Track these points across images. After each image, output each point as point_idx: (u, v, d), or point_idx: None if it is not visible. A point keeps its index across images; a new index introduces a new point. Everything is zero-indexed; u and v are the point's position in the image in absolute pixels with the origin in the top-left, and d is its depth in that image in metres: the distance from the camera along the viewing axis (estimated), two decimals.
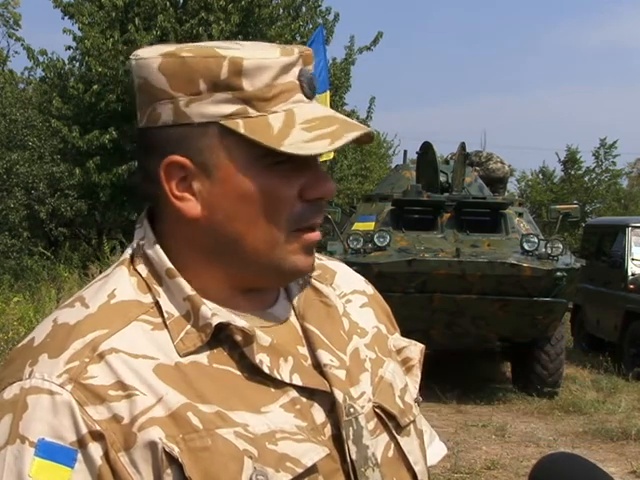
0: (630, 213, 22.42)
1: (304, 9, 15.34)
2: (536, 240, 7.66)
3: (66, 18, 14.41)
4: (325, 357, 0.96)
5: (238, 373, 0.91)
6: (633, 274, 9.95)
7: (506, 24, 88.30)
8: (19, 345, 0.93)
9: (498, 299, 7.46)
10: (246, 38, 13.54)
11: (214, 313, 0.92)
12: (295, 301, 1.02)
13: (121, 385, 0.86)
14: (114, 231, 17.03)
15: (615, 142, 23.88)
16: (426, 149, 9.21)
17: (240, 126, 0.89)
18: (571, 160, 24.42)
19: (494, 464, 5.98)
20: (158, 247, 0.95)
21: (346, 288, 1.10)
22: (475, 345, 8.58)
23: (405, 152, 10.97)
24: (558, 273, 7.42)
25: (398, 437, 1.00)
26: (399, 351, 1.10)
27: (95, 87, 13.77)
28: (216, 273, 0.94)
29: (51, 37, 45.79)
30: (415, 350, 1.12)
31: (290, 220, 0.92)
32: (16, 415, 0.85)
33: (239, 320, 0.92)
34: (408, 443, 1.01)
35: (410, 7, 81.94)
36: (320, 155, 0.91)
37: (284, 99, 0.90)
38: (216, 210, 0.92)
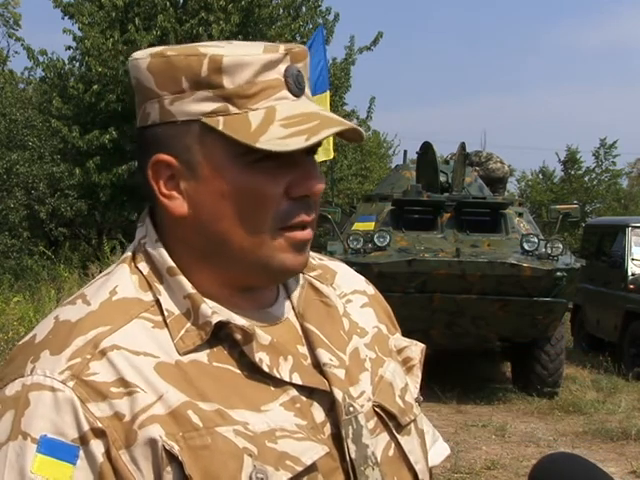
0: (630, 213, 22.42)
1: (304, 9, 15.34)
2: (536, 240, 7.66)
3: (66, 18, 14.42)
4: (325, 356, 0.97)
5: (238, 372, 0.91)
6: (633, 274, 9.95)
7: (506, 24, 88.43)
8: (21, 342, 0.93)
9: (498, 299, 7.46)
10: (246, 38, 13.54)
11: (214, 311, 0.92)
12: (295, 301, 1.02)
13: (123, 382, 0.86)
14: (114, 231, 17.03)
15: (615, 142, 23.91)
16: (426, 149, 9.21)
17: (220, 123, 0.89)
18: (571, 160, 24.42)
19: (494, 464, 5.98)
20: (160, 245, 0.95)
21: (346, 288, 1.10)
22: (475, 345, 8.58)
23: (405, 152, 10.98)
24: (558, 273, 7.42)
25: (398, 436, 1.00)
26: (400, 351, 1.10)
27: (95, 87, 13.77)
28: (210, 272, 0.95)
29: (51, 37, 45.87)
30: (416, 350, 1.12)
31: (276, 218, 0.92)
32: (18, 411, 0.85)
33: (239, 319, 0.93)
34: (408, 442, 1.01)
35: (410, 7, 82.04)
36: (302, 151, 0.90)
37: (266, 96, 0.90)
38: (202, 208, 0.92)
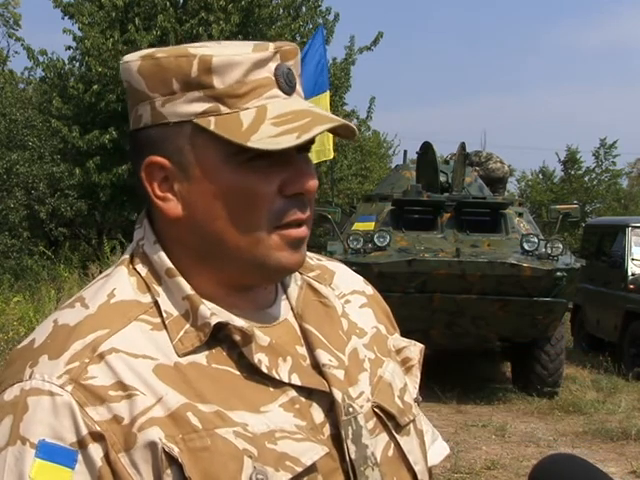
0: (630, 213, 22.42)
1: (304, 9, 15.35)
2: (536, 240, 7.66)
3: (66, 18, 14.44)
4: (324, 357, 0.97)
5: (237, 373, 0.91)
6: (633, 274, 9.95)
7: (506, 24, 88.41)
8: (19, 346, 0.93)
9: (498, 299, 7.46)
10: (246, 38, 13.54)
11: (213, 313, 0.92)
12: (293, 301, 1.02)
13: (121, 385, 0.86)
14: (114, 231, 17.03)
15: (615, 142, 23.90)
16: (426, 149, 9.21)
17: (211, 124, 0.89)
18: (571, 160, 24.42)
19: (494, 464, 5.98)
20: (158, 247, 0.95)
21: (345, 288, 1.10)
22: (475, 345, 8.58)
23: (405, 152, 10.98)
24: (558, 273, 7.42)
25: (397, 437, 1.00)
26: (399, 351, 1.10)
27: (95, 87, 13.78)
28: (206, 272, 0.95)
29: (51, 37, 45.85)
30: (415, 350, 1.12)
31: (271, 217, 0.92)
32: (17, 416, 0.85)
33: (238, 320, 0.93)
34: (408, 443, 1.02)
35: (410, 7, 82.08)
36: (295, 149, 0.90)
37: (257, 95, 0.90)
38: (196, 209, 0.92)
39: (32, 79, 19.28)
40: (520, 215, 8.63)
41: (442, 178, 8.95)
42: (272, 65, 0.91)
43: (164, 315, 0.92)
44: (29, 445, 0.83)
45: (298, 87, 0.95)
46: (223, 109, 0.89)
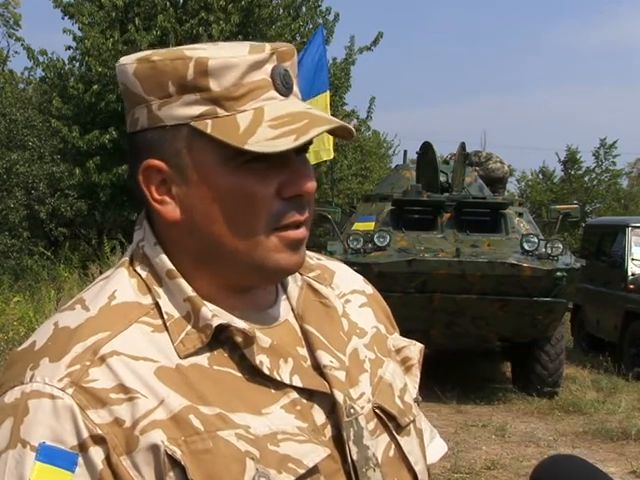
0: (630, 213, 22.42)
1: (304, 9, 15.35)
2: (536, 240, 7.66)
3: (66, 18, 14.43)
4: (325, 358, 0.97)
5: (238, 375, 0.91)
6: (633, 274, 9.95)
7: (506, 24, 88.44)
8: (20, 348, 0.93)
9: (498, 299, 7.46)
10: (246, 38, 13.54)
11: (214, 314, 0.92)
12: (294, 302, 1.02)
13: (122, 388, 0.86)
14: (114, 231, 17.02)
15: (615, 142, 23.91)
16: (426, 149, 9.21)
17: (208, 126, 0.89)
18: (571, 160, 24.43)
19: (494, 464, 5.98)
20: (159, 248, 0.95)
21: (345, 288, 1.10)
22: (475, 345, 8.58)
23: (405, 152, 10.98)
24: (558, 273, 7.43)
25: (398, 437, 1.00)
26: (398, 351, 1.10)
27: (95, 87, 13.77)
28: (206, 275, 0.94)
29: (51, 37, 45.86)
30: (414, 350, 1.12)
31: (269, 219, 0.91)
32: (17, 419, 0.85)
33: (239, 321, 0.93)
34: (408, 443, 1.02)
35: (410, 7, 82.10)
36: (292, 151, 0.89)
37: (254, 97, 0.90)
38: (194, 213, 0.92)
39: (32, 79, 19.29)
40: (520, 215, 8.63)
41: (442, 178, 8.95)
42: (269, 67, 0.91)
43: (165, 317, 0.92)
44: (29, 448, 0.83)
45: (295, 88, 0.94)
46: (220, 112, 0.89)
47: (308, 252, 1.02)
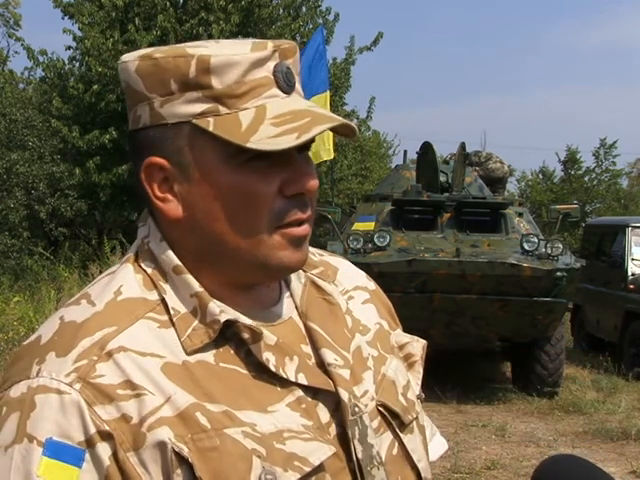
0: (630, 213, 22.41)
1: (304, 9, 15.35)
2: (536, 240, 7.66)
3: (66, 18, 14.42)
4: (329, 356, 0.97)
5: (245, 372, 0.91)
6: (633, 274, 9.94)
7: (506, 24, 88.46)
8: (25, 343, 0.93)
9: (498, 299, 7.46)
10: (246, 38, 13.52)
11: (222, 310, 0.92)
12: (297, 299, 1.02)
13: (130, 384, 0.86)
14: (114, 231, 17.02)
15: (615, 142, 23.89)
16: (426, 149, 9.21)
17: (210, 124, 0.89)
18: (571, 160, 24.41)
19: (494, 464, 5.98)
20: (165, 244, 0.95)
21: (348, 284, 1.10)
22: (475, 345, 8.58)
23: (405, 152, 10.98)
24: (558, 273, 7.42)
25: (401, 435, 1.00)
26: (401, 347, 1.10)
27: (95, 87, 13.76)
28: (207, 272, 0.94)
29: (51, 37, 45.86)
30: (417, 346, 1.12)
31: (272, 217, 0.91)
32: (23, 414, 0.85)
33: (245, 318, 0.93)
34: (411, 441, 1.02)
35: (410, 7, 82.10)
36: (294, 148, 0.89)
37: (256, 95, 0.90)
38: (196, 210, 0.92)
39: (32, 79, 19.28)
40: (520, 215, 8.63)
41: (442, 178, 8.94)
42: (271, 64, 0.91)
43: (172, 312, 0.92)
44: (36, 443, 0.83)
45: (297, 86, 0.94)
46: (222, 109, 0.89)
47: (311, 248, 1.02)
